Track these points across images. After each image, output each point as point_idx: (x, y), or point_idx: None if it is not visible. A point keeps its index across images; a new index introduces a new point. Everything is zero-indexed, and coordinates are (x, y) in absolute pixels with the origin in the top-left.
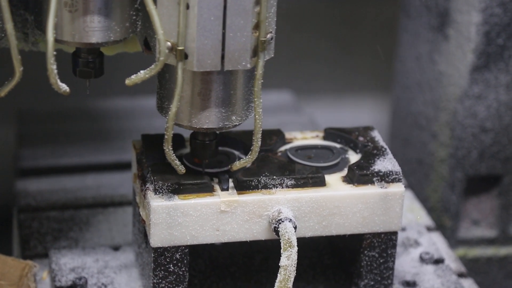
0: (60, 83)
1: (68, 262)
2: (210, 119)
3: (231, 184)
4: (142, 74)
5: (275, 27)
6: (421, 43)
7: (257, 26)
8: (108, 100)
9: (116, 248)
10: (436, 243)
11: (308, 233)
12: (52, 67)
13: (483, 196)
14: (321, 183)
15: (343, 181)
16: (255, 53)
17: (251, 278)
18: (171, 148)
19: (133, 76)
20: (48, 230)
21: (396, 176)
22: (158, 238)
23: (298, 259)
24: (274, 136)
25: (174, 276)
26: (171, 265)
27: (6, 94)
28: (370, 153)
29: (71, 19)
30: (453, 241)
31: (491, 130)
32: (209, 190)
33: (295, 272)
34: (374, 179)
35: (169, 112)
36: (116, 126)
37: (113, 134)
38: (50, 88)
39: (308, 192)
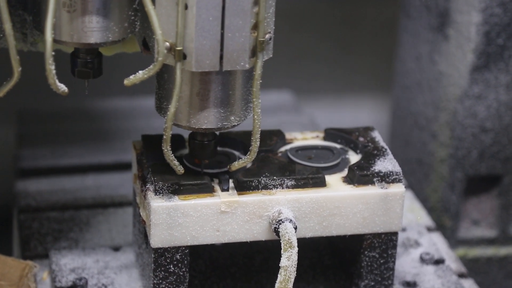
0: (58, 84)
1: (68, 262)
2: (208, 120)
3: (231, 184)
4: (140, 75)
5: (274, 28)
6: (421, 43)
7: (255, 27)
8: (108, 100)
9: (116, 249)
10: (437, 244)
11: (309, 233)
12: (51, 67)
13: (483, 196)
14: (322, 183)
15: (344, 181)
16: (253, 53)
17: (251, 279)
18: (170, 148)
19: (131, 77)
20: (48, 230)
21: (397, 177)
22: (159, 238)
23: (298, 259)
24: (274, 137)
25: (174, 277)
26: (171, 266)
27: (6, 94)
28: (371, 153)
29: (70, 19)
30: (453, 241)
31: (491, 130)
32: (209, 190)
33: (296, 272)
34: (375, 179)
35: (168, 113)
36: (117, 127)
37: (113, 134)
38: (50, 89)
39: (309, 193)
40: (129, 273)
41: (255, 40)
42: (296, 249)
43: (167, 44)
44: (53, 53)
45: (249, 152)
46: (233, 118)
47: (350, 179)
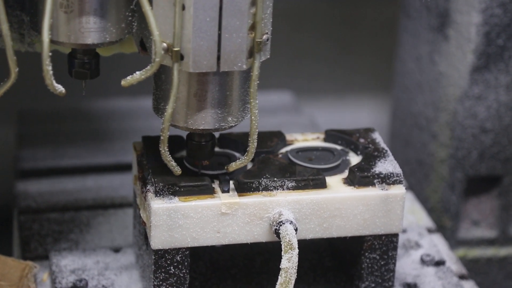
0: (55, 84)
1: (69, 264)
2: (206, 120)
3: (231, 186)
4: (138, 75)
5: (271, 28)
6: (421, 44)
7: (253, 27)
8: (108, 101)
9: (116, 250)
10: (437, 245)
11: (309, 235)
12: (48, 68)
13: (483, 197)
14: (322, 185)
15: (344, 183)
16: (251, 54)
17: (251, 280)
18: (167, 149)
19: (129, 77)
20: (49, 231)
21: (397, 178)
22: (159, 240)
23: (298, 261)
24: (274, 138)
25: (174, 278)
26: (171, 267)
27: (6, 95)
28: (371, 155)
29: (67, 20)
30: (453, 242)
31: (491, 131)
32: (210, 192)
33: (296, 274)
34: (375, 181)
35: (165, 113)
36: (117, 127)
37: (114, 135)
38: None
39: (309, 194)
40: (130, 275)
41: (252, 41)
42: (297, 250)
43: (164, 44)
44: (50, 53)
45: (246, 153)
46: (230, 119)
47: (350, 181)
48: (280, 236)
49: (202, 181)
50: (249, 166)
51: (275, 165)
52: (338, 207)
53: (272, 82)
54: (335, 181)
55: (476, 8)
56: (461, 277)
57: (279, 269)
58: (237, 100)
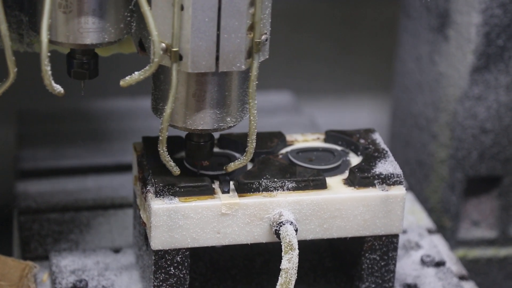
0: (54, 84)
1: (69, 264)
2: (204, 120)
3: (232, 186)
4: (136, 75)
5: (270, 29)
6: (421, 44)
7: (251, 28)
8: (108, 101)
9: (116, 251)
10: (437, 246)
11: (309, 235)
12: (46, 68)
13: (483, 197)
14: (322, 185)
15: (344, 183)
16: (249, 54)
17: (252, 281)
18: (166, 149)
19: (127, 77)
20: (49, 232)
21: (397, 179)
22: (159, 240)
23: (299, 261)
24: (275, 138)
25: (174, 279)
26: (171, 268)
27: (6, 95)
28: (371, 155)
29: (66, 20)
30: (453, 242)
31: (491, 131)
32: (210, 192)
33: (296, 275)
34: (375, 181)
35: (164, 114)
36: (116, 128)
37: (113, 135)
38: None
39: (309, 195)
40: (130, 275)
41: (251, 41)
42: (297, 251)
43: (163, 45)
44: (49, 54)
45: (245, 153)
46: (229, 119)
47: (351, 181)
48: (280, 236)
49: (202, 182)
50: (249, 166)
51: (275, 166)
52: (339, 207)
53: (272, 82)
54: (335, 182)
55: (476, 8)
56: (461, 277)
57: (279, 270)
58: (236, 101)
